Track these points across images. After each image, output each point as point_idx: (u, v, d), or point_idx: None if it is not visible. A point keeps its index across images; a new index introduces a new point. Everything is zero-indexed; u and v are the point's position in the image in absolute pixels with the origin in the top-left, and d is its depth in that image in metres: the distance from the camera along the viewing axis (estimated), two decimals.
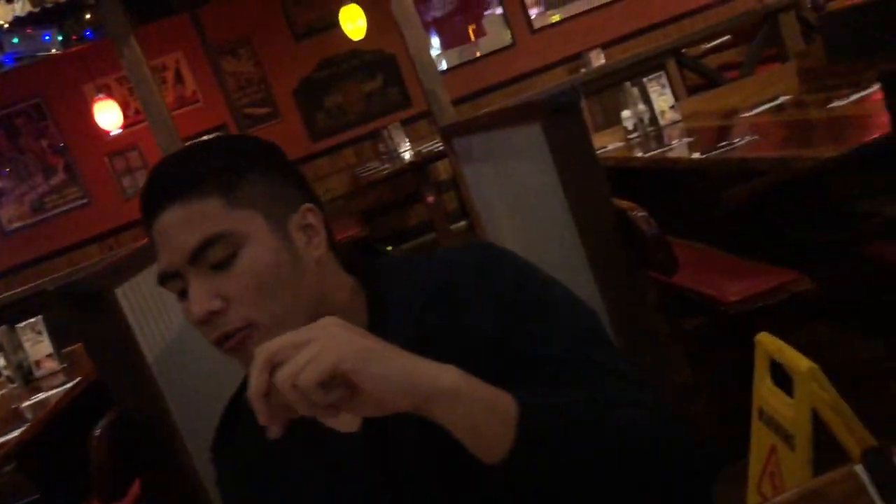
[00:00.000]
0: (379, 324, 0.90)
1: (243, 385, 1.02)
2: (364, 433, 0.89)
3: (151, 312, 2.47)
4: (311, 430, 0.92)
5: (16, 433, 2.46)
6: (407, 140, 6.62)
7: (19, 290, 4.07)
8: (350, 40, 6.65)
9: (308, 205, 0.91)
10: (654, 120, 3.74)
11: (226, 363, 0.91)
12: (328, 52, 7.14)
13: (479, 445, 0.72)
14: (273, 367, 0.68)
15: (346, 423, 0.90)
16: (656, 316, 2.12)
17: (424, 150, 5.88)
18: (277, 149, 0.96)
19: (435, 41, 7.26)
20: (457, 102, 4.77)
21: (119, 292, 2.22)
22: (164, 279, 0.87)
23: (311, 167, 7.08)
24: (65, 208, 7.13)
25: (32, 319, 3.46)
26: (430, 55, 4.15)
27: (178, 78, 7.07)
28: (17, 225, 7.19)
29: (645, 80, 3.74)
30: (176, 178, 0.86)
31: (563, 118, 2.02)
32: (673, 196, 3.19)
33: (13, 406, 2.95)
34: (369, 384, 0.67)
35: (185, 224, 0.84)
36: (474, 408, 0.70)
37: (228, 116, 6.79)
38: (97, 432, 1.96)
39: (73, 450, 2.05)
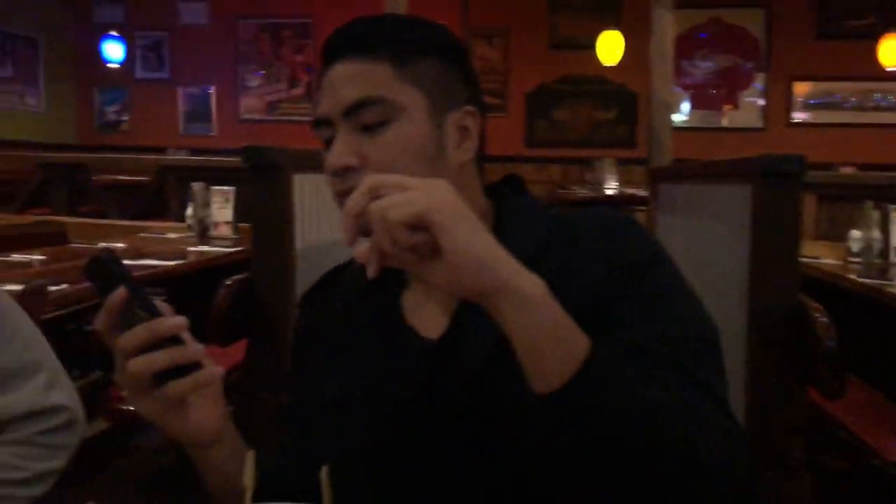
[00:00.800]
0: None
1: (351, 259, 1.05)
2: (440, 343, 0.89)
3: (314, 212, 2.63)
4: (387, 322, 0.93)
5: (173, 263, 2.74)
6: (616, 178, 6.53)
7: (226, 159, 4.48)
8: (598, 65, 6.66)
9: (471, 107, 0.92)
10: (884, 252, 3.37)
11: None
12: (575, 70, 7.19)
13: (533, 365, 0.69)
14: (372, 193, 0.69)
15: (430, 327, 0.91)
16: (798, 435, 1.92)
17: (627, 192, 5.77)
18: (463, 47, 0.97)
19: (685, 107, 7.08)
20: (678, 161, 4.63)
21: (296, 179, 2.39)
22: (318, 124, 0.91)
23: (515, 169, 7.04)
24: (294, 118, 7.78)
25: (226, 188, 3.80)
26: (669, 96, 4.06)
27: None
28: (251, 116, 8.02)
29: (892, 207, 3.39)
30: (358, 35, 0.89)
31: (778, 185, 1.88)
32: (864, 332, 2.88)
33: (181, 247, 3.28)
34: (450, 246, 0.66)
35: (352, 79, 0.87)
36: (544, 325, 0.68)
37: None
38: (227, 282, 2.13)
39: (207, 303, 2.24)
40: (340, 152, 0.85)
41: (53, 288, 1.86)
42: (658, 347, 0.77)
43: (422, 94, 0.87)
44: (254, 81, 8.01)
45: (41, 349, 1.21)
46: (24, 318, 1.22)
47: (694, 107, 7.18)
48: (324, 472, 0.64)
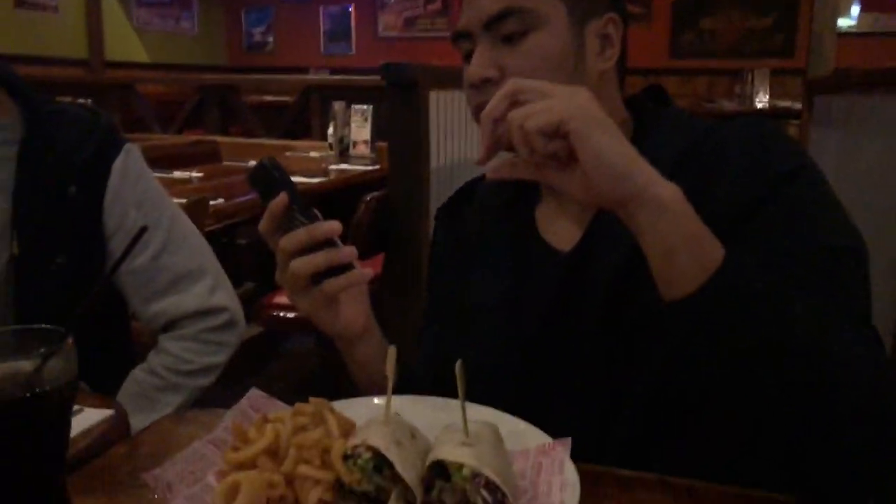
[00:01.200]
0: None
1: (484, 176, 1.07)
2: (571, 254, 0.90)
3: (449, 129, 2.65)
4: (523, 235, 0.95)
5: (316, 180, 2.87)
6: (768, 91, 6.08)
7: (365, 78, 4.56)
8: None
9: (613, 15, 0.90)
10: None
11: None
12: None
13: (666, 271, 0.69)
14: (513, 102, 0.70)
15: (563, 239, 0.92)
16: None
17: (781, 105, 5.38)
18: None
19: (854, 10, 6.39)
20: (840, 71, 4.23)
21: (433, 96, 2.42)
22: (458, 37, 0.92)
23: (660, 82, 6.80)
24: (430, 34, 7.75)
25: (365, 107, 3.89)
26: (835, 0, 3.68)
27: None
28: (388, 34, 8.06)
29: None
30: None
31: None
32: None
33: (323, 165, 3.41)
34: (586, 154, 0.67)
35: None
36: (678, 231, 0.67)
37: None
38: (367, 197, 2.22)
39: (346, 218, 2.34)
40: (480, 64, 0.86)
41: (211, 202, 2.01)
42: (802, 256, 0.75)
43: (561, 3, 0.86)
44: None
45: (207, 255, 1.32)
46: (192, 227, 1.34)
47: (864, 9, 6.47)
48: (458, 367, 0.68)
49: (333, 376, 0.94)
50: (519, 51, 0.86)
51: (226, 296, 1.31)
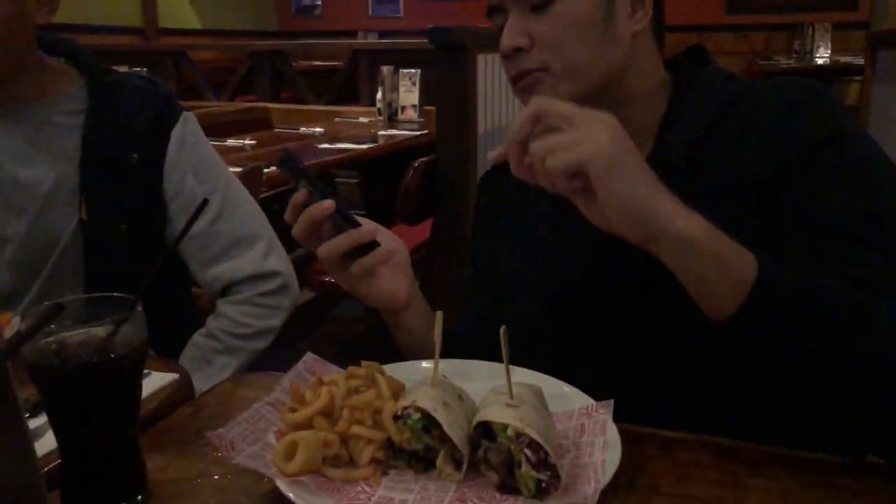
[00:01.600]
0: (666, 130, 0.88)
1: None
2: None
3: (501, 93, 2.64)
4: (563, 202, 0.96)
5: (365, 146, 2.90)
6: (830, 46, 5.85)
7: (410, 42, 4.55)
8: None
9: None
10: None
11: None
12: None
13: (703, 297, 0.70)
14: (536, 122, 0.70)
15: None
16: None
17: (842, 61, 5.18)
18: None
19: None
20: None
21: (480, 59, 2.41)
22: (491, 11, 0.93)
23: (712, 39, 6.63)
24: None
25: (413, 70, 3.88)
26: None
27: None
28: None
29: None
30: None
31: None
32: None
33: (372, 130, 3.44)
34: (605, 198, 0.68)
35: None
36: (707, 261, 0.68)
37: None
38: (415, 163, 2.24)
39: (395, 184, 2.37)
40: (512, 35, 0.87)
41: (265, 170, 2.06)
42: (857, 234, 0.74)
43: None
44: None
45: (260, 221, 1.36)
46: (246, 194, 1.38)
47: None
48: (502, 332, 0.70)
49: (381, 340, 0.97)
50: (547, 18, 0.86)
51: (279, 260, 1.35)
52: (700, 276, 0.69)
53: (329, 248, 0.86)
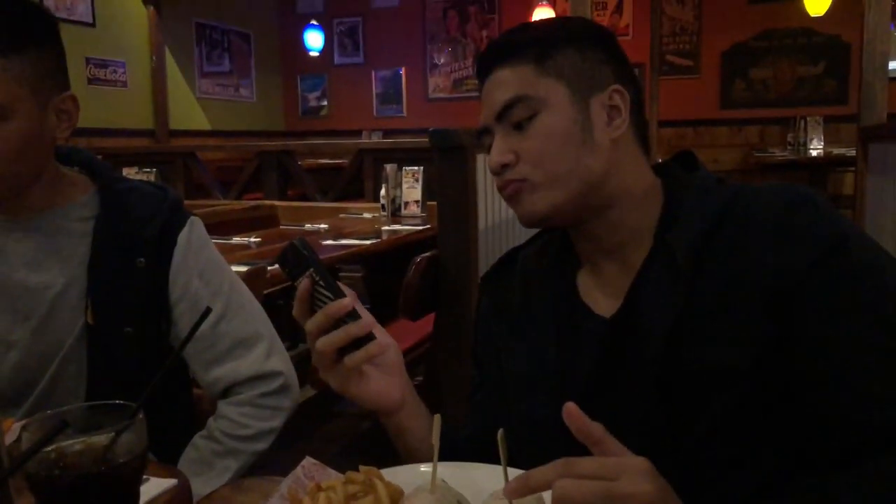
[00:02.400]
0: (664, 231, 0.91)
1: (528, 241, 1.11)
2: (614, 319, 0.92)
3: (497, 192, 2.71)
4: (565, 302, 0.98)
5: (369, 241, 2.95)
6: (822, 139, 6.01)
7: (412, 140, 4.69)
8: (805, 17, 6.12)
9: (617, 86, 0.94)
10: None
11: None
12: (778, 23, 6.67)
13: None
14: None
15: (603, 305, 0.94)
16: None
17: (836, 153, 5.30)
18: (607, 32, 1.00)
19: None
20: (893, 116, 4.16)
21: (480, 158, 2.49)
22: (481, 134, 0.99)
23: (708, 133, 6.83)
24: (478, 94, 7.92)
25: (415, 168, 3.99)
26: (886, 47, 3.66)
27: (618, 8, 7.23)
28: (438, 95, 8.29)
29: None
30: (501, 46, 0.97)
31: None
32: None
33: (376, 226, 3.51)
34: None
35: (500, 85, 0.94)
36: None
37: (648, 57, 6.79)
38: (418, 259, 2.27)
39: (398, 278, 2.40)
40: (497, 152, 0.93)
41: (269, 267, 2.09)
42: (871, 349, 0.76)
43: (562, 85, 0.92)
44: (441, 59, 8.26)
45: (262, 321, 1.38)
46: (249, 295, 1.40)
47: None
48: (500, 434, 0.70)
49: (386, 438, 0.97)
50: (528, 134, 0.91)
51: (280, 360, 1.35)
52: None
53: (327, 341, 0.86)
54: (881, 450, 0.72)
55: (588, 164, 0.91)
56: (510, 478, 0.69)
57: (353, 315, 0.86)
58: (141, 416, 0.66)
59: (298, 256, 0.87)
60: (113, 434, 0.64)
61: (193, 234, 1.33)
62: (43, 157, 1.23)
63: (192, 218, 1.35)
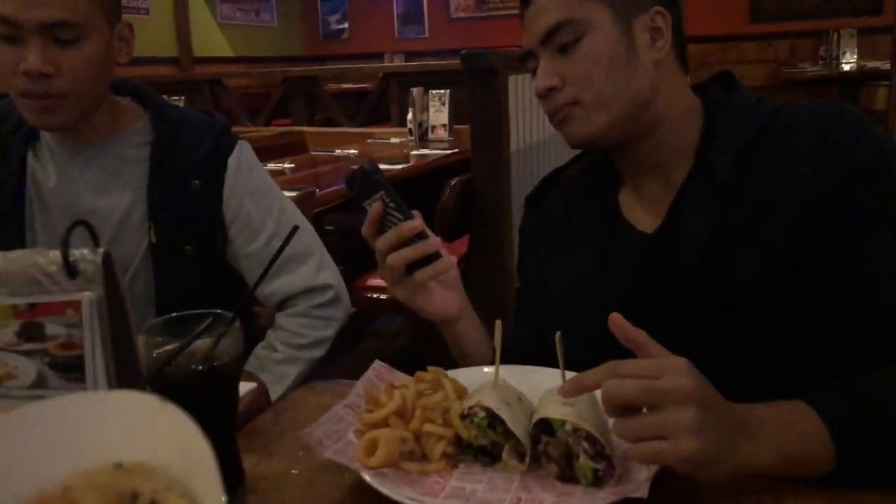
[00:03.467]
0: (705, 149, 0.95)
1: (570, 162, 1.16)
2: (654, 235, 0.98)
3: (530, 112, 2.73)
4: (607, 219, 1.03)
5: (399, 167, 3.00)
6: (856, 51, 5.86)
7: (438, 63, 4.67)
8: None
9: (659, 8, 0.96)
10: None
11: None
12: None
13: (801, 473, 0.73)
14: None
15: (644, 222, 1.00)
16: None
17: (870, 66, 5.18)
18: None
19: None
20: None
21: (511, 80, 2.50)
22: (524, 58, 1.02)
23: (737, 49, 6.68)
24: (501, 13, 7.78)
25: (442, 91, 3.99)
26: None
27: None
28: (461, 15, 8.13)
29: None
30: None
31: None
32: None
33: (404, 150, 3.55)
34: (705, 481, 0.71)
35: (544, 10, 0.96)
36: (789, 468, 0.72)
37: None
38: (453, 182, 2.33)
39: (429, 202, 2.46)
40: (543, 76, 0.96)
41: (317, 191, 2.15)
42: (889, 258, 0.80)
43: (605, 7, 0.94)
44: None
45: (312, 238, 1.46)
46: (298, 213, 1.48)
47: None
48: (558, 337, 0.78)
49: (421, 353, 1.05)
50: (574, 58, 0.95)
51: (330, 274, 1.44)
52: (789, 473, 0.72)
53: (398, 257, 0.94)
54: None
55: (634, 84, 0.94)
56: (566, 377, 0.77)
57: (421, 235, 0.93)
58: (238, 323, 0.74)
59: (369, 180, 0.93)
60: (215, 338, 0.72)
61: (243, 156, 1.39)
62: (109, 81, 1.29)
63: (241, 142, 1.41)
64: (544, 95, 0.97)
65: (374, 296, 2.66)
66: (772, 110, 0.93)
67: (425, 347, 1.05)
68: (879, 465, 0.72)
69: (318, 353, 1.42)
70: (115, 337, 0.57)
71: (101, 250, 0.56)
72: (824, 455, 0.71)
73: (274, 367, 1.38)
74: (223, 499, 0.39)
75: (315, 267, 1.42)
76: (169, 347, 0.72)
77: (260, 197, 1.40)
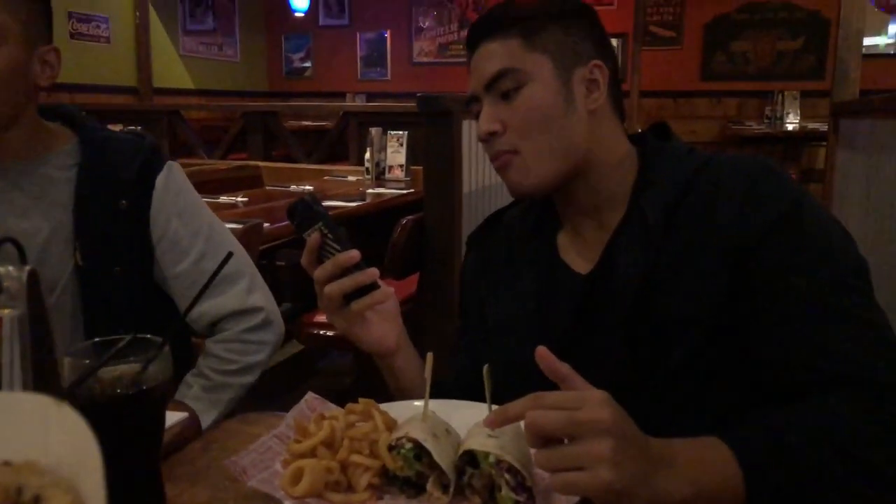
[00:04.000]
0: (638, 194, 0.99)
1: (512, 203, 1.20)
2: (589, 275, 1.01)
3: (482, 154, 2.79)
4: (546, 259, 1.06)
5: (354, 204, 3.02)
6: (799, 113, 6.12)
7: (398, 105, 4.74)
8: None
9: (598, 61, 1.01)
10: None
11: None
12: None
13: None
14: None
15: (579, 264, 1.03)
16: None
17: (810, 127, 5.42)
18: (589, 9, 1.06)
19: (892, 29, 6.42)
20: (868, 92, 4.26)
21: (465, 124, 2.56)
22: (469, 101, 1.07)
23: (688, 104, 6.92)
24: (463, 59, 7.90)
25: (400, 132, 4.05)
26: (861, 24, 3.74)
27: None
28: (423, 59, 8.28)
29: None
30: (491, 20, 1.03)
31: None
32: None
33: (360, 189, 3.57)
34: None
35: (489, 57, 1.01)
36: (703, 500, 0.73)
37: (631, 27, 6.84)
38: (404, 221, 2.36)
39: (381, 240, 2.48)
40: (485, 120, 1.01)
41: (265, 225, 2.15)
42: (821, 296, 0.85)
43: (547, 59, 0.99)
44: (426, 23, 8.23)
45: (243, 259, 1.44)
46: (228, 235, 1.47)
47: None
48: (485, 369, 0.80)
49: (368, 391, 1.06)
50: (515, 104, 0.99)
51: (261, 296, 1.42)
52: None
53: (335, 286, 0.96)
54: (825, 392, 0.81)
55: (571, 134, 0.98)
56: (492, 409, 0.79)
57: (359, 266, 0.95)
58: (167, 348, 0.74)
59: (308, 210, 0.95)
60: (144, 362, 0.72)
61: (171, 177, 1.38)
62: (23, 98, 1.28)
63: (170, 162, 1.40)
64: (486, 139, 1.01)
65: (321, 332, 2.65)
66: (702, 161, 0.98)
67: (372, 386, 1.05)
68: (787, 493, 0.75)
69: (249, 378, 1.41)
70: (35, 356, 0.57)
71: (26, 268, 0.56)
72: (736, 486, 0.74)
73: (204, 394, 1.37)
74: (103, 495, 0.39)
75: (245, 289, 1.41)
76: (100, 371, 0.72)
77: (188, 217, 1.39)
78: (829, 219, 0.92)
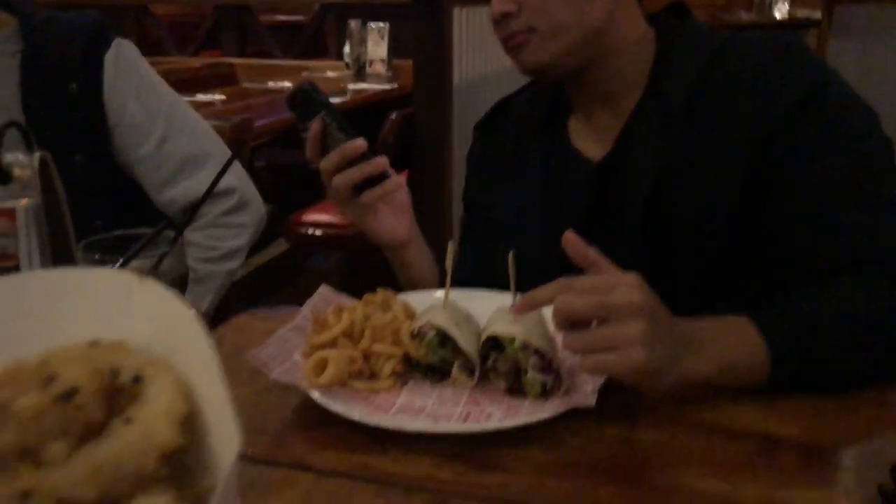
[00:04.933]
0: (658, 76, 0.95)
1: (521, 89, 1.15)
2: (603, 163, 0.98)
3: (474, 44, 2.69)
4: (556, 146, 1.03)
5: (336, 100, 2.93)
6: (787, 1, 5.95)
7: None
8: None
9: None
10: None
11: None
12: None
13: (741, 383, 0.76)
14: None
15: (593, 150, 1.00)
16: None
17: (800, 15, 5.29)
18: None
19: None
20: None
21: (456, 12, 2.45)
22: None
23: None
24: None
25: (382, 24, 3.89)
26: None
27: None
28: None
29: None
30: None
31: None
32: None
33: (341, 85, 3.46)
34: (651, 392, 0.74)
35: None
36: (729, 378, 0.74)
37: None
38: (393, 115, 2.29)
39: (370, 137, 2.41)
40: (499, 1, 0.94)
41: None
42: (849, 185, 0.83)
43: None
44: None
45: (211, 139, 1.39)
46: (193, 114, 1.39)
47: None
48: (511, 257, 0.78)
49: (356, 290, 1.05)
50: None
51: (233, 177, 1.36)
52: (729, 382, 0.75)
53: (343, 177, 0.92)
54: (854, 274, 0.81)
55: (590, 13, 0.93)
56: (516, 297, 0.78)
57: (366, 156, 0.91)
58: (180, 242, 0.72)
59: (309, 99, 0.90)
60: (157, 258, 0.70)
61: (121, 55, 1.30)
62: None
63: (119, 39, 1.32)
64: (499, 21, 0.95)
65: (309, 231, 2.62)
66: (724, 39, 0.94)
67: (360, 285, 1.03)
68: (811, 372, 0.76)
69: (233, 264, 1.38)
70: (54, 247, 0.54)
71: (37, 154, 0.52)
72: (762, 364, 0.74)
73: (192, 287, 1.35)
74: (218, 368, 0.37)
75: (214, 169, 1.35)
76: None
77: (145, 97, 1.32)
78: (856, 98, 0.89)
